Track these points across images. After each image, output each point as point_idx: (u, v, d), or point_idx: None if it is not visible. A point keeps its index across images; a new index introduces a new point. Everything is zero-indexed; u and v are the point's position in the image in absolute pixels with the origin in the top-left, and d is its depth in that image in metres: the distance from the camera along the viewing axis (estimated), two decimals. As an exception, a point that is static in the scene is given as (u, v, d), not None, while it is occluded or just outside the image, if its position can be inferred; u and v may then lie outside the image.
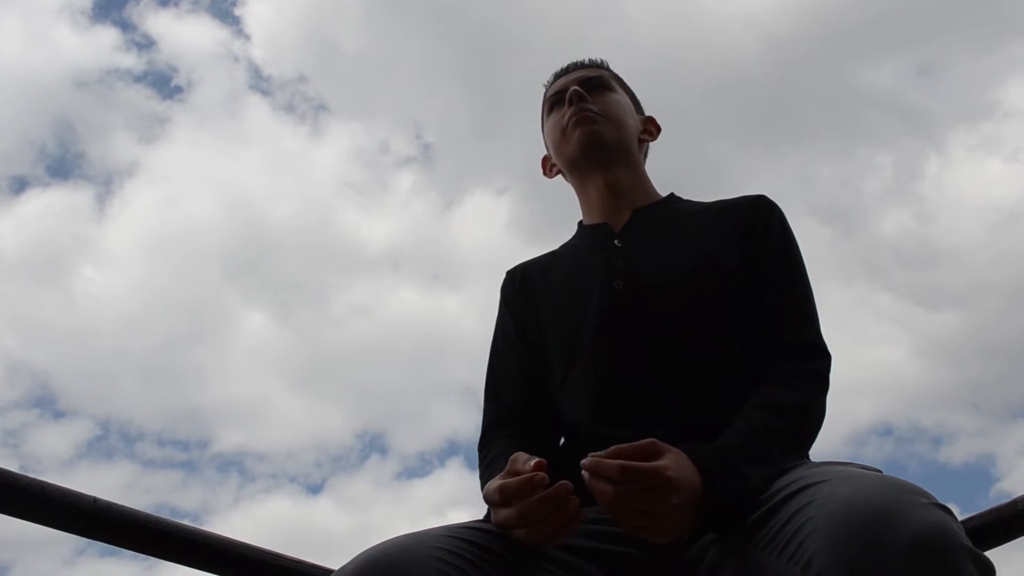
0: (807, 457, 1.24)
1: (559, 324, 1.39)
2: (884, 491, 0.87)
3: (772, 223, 1.38)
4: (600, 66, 1.59)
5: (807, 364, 1.25)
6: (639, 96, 1.63)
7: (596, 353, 1.32)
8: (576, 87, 1.50)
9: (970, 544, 0.84)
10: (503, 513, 1.07)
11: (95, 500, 1.23)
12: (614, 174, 1.48)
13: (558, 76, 1.59)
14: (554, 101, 1.55)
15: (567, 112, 1.49)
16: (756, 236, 1.36)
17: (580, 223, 1.55)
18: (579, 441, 1.34)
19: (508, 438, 1.34)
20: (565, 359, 1.36)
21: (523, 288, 1.49)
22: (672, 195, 1.53)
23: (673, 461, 1.03)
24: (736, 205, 1.42)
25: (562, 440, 1.39)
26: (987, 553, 0.86)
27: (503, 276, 1.55)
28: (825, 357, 1.28)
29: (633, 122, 1.54)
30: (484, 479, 1.28)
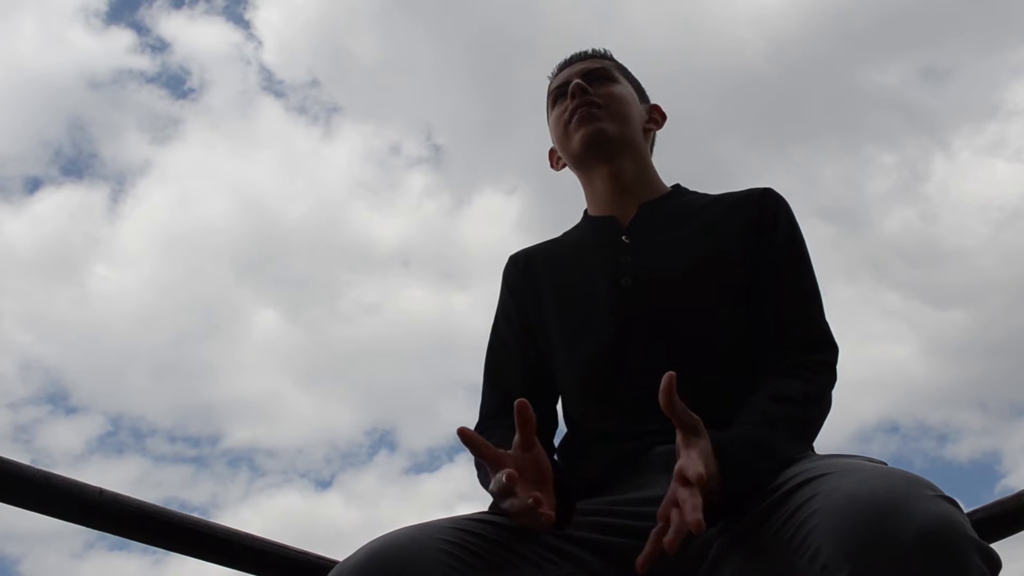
0: (812, 449, 1.24)
1: (564, 317, 1.39)
2: (890, 483, 0.87)
3: (779, 216, 1.37)
4: (603, 56, 1.58)
5: (815, 355, 1.25)
6: (645, 84, 1.63)
7: (603, 350, 1.32)
8: (578, 80, 1.49)
9: (976, 536, 0.84)
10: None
11: (101, 491, 1.23)
12: (619, 166, 1.47)
13: (562, 68, 1.58)
14: (558, 94, 1.54)
15: (569, 106, 1.48)
16: (763, 230, 1.35)
17: (585, 212, 1.55)
18: (580, 434, 1.34)
19: (507, 428, 1.34)
20: (570, 353, 1.36)
21: (526, 274, 1.48)
22: (678, 186, 1.53)
23: (694, 452, 1.03)
24: (743, 198, 1.41)
25: (566, 434, 1.39)
26: (993, 545, 0.86)
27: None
28: (833, 349, 1.28)
29: (637, 112, 1.53)
30: (481, 468, 1.28)
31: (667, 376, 1.03)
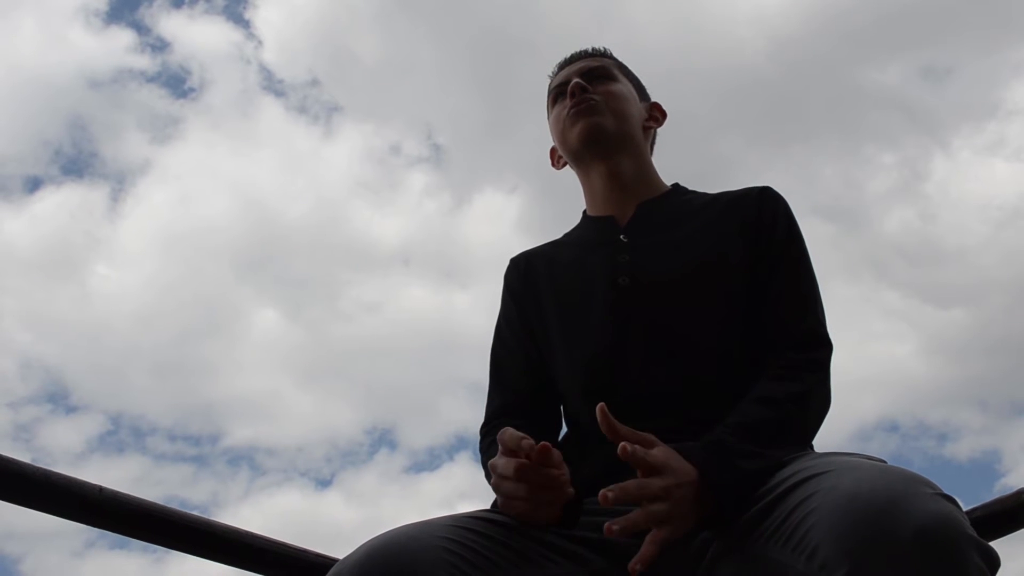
0: (811, 447, 1.23)
1: (564, 318, 1.39)
2: (889, 481, 0.87)
3: (778, 215, 1.37)
4: (603, 55, 1.58)
5: (806, 354, 1.25)
6: (645, 84, 1.62)
7: (602, 350, 1.32)
8: (577, 79, 1.49)
9: (975, 534, 0.84)
10: (505, 486, 1.09)
11: (100, 489, 1.23)
12: (617, 163, 1.47)
13: (562, 66, 1.59)
14: (557, 93, 1.55)
15: (569, 104, 1.48)
16: (762, 228, 1.35)
17: (584, 213, 1.55)
18: (581, 433, 1.34)
19: (512, 426, 1.34)
20: (570, 353, 1.36)
21: (527, 276, 1.49)
22: (676, 185, 1.53)
23: (663, 450, 1.05)
24: (741, 197, 1.41)
25: (564, 431, 1.40)
26: (992, 544, 0.86)
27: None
28: (825, 346, 1.28)
29: (636, 111, 1.53)
30: (486, 462, 1.28)
31: (599, 408, 1.05)
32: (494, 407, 1.42)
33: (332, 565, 1.02)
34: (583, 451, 1.28)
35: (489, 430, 1.37)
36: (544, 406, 1.40)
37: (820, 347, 1.27)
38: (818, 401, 1.23)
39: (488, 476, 1.26)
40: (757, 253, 1.33)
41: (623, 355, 1.30)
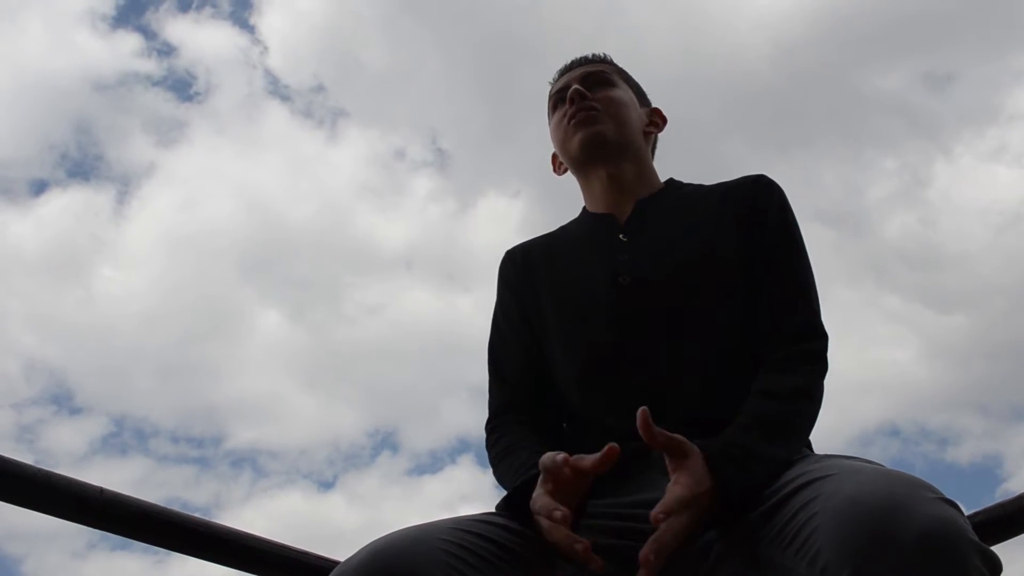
0: (809, 445, 1.24)
1: (564, 316, 1.39)
2: (891, 485, 0.87)
3: (772, 202, 1.38)
4: (603, 60, 1.59)
5: (804, 345, 1.26)
6: (648, 90, 1.63)
7: (602, 348, 1.32)
8: (577, 85, 1.49)
9: (977, 538, 0.84)
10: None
11: (101, 490, 1.23)
12: (618, 168, 1.48)
13: (562, 73, 1.59)
14: (557, 99, 1.55)
15: (568, 111, 1.49)
16: (756, 217, 1.36)
17: (584, 208, 1.55)
18: (584, 430, 1.34)
19: (519, 423, 1.35)
20: (571, 351, 1.36)
21: (524, 269, 1.49)
22: (672, 180, 1.53)
23: (687, 479, 1.04)
24: (737, 187, 1.42)
25: (565, 428, 1.40)
26: (994, 548, 0.86)
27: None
28: (822, 337, 1.28)
29: (636, 116, 1.53)
30: (499, 465, 1.29)
31: (641, 412, 1.04)
32: (497, 403, 1.41)
33: (334, 567, 1.02)
34: (581, 445, 1.28)
35: (495, 427, 1.37)
36: (545, 400, 1.39)
37: (816, 338, 1.28)
38: (818, 395, 1.23)
39: (499, 476, 1.27)
40: (752, 242, 1.34)
41: (623, 354, 1.30)
